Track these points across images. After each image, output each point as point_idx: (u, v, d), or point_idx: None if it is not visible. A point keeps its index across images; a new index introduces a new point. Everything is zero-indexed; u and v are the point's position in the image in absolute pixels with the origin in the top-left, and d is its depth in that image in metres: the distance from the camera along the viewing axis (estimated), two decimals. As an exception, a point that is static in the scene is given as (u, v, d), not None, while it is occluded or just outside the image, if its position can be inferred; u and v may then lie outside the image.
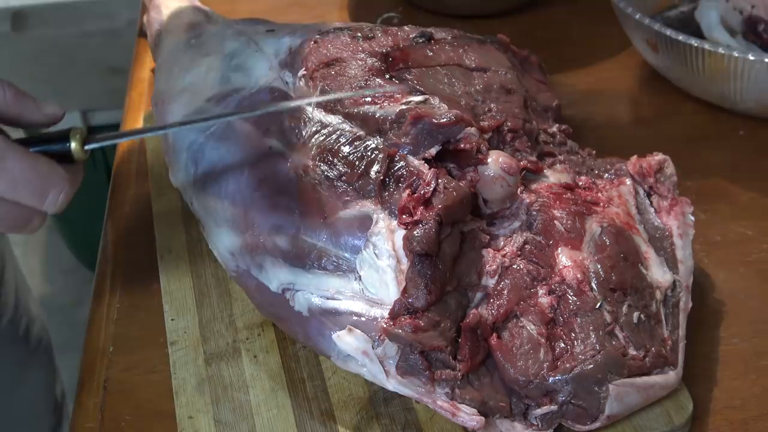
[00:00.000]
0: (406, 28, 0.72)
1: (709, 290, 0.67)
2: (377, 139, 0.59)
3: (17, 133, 0.56)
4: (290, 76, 0.66)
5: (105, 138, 0.58)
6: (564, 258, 0.58)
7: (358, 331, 0.54)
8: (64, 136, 0.56)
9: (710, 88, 0.82)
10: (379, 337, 0.54)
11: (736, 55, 0.76)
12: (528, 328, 0.55)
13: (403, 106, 0.60)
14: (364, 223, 0.56)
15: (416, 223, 0.55)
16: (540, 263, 0.58)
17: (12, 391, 0.91)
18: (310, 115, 0.62)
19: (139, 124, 0.87)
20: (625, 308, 0.57)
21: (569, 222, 0.60)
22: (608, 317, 0.56)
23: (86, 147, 0.56)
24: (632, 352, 0.55)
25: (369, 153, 0.59)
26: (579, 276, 0.57)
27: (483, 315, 0.55)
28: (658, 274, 0.60)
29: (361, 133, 0.60)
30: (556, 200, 0.61)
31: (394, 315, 0.54)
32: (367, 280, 0.56)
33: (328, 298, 0.56)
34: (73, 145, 0.56)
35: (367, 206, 0.57)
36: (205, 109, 0.67)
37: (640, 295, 0.58)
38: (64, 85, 1.61)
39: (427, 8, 1.03)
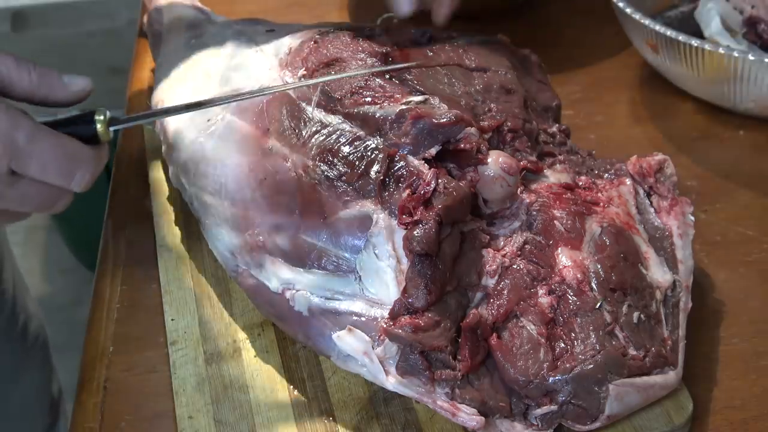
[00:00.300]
0: (406, 28, 0.72)
1: (709, 290, 0.67)
2: (377, 139, 0.59)
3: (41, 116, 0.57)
4: (290, 76, 0.66)
5: (129, 119, 0.59)
6: (564, 258, 0.58)
7: (358, 331, 0.54)
8: (89, 118, 0.56)
9: (710, 88, 0.82)
10: (379, 337, 0.54)
11: (736, 55, 0.76)
12: (528, 328, 0.55)
13: (403, 106, 0.60)
14: (364, 223, 0.56)
15: (416, 223, 0.55)
16: (540, 263, 0.58)
17: (8, 388, 0.91)
18: (310, 115, 0.62)
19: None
20: (625, 308, 0.57)
21: (569, 222, 0.60)
22: (608, 317, 0.56)
23: (111, 128, 0.57)
24: (632, 352, 0.55)
25: (369, 153, 0.59)
26: (579, 276, 0.57)
27: (483, 315, 0.55)
28: (658, 274, 0.60)
29: (361, 133, 0.60)
30: (556, 200, 0.61)
31: (394, 315, 0.54)
32: (367, 280, 0.56)
33: (328, 298, 0.56)
34: (99, 126, 0.56)
35: (367, 206, 0.57)
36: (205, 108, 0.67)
37: (640, 295, 0.58)
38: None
39: (427, 8, 1.03)
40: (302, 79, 0.65)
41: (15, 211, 0.56)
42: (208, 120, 0.66)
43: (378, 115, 0.60)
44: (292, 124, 0.62)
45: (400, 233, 0.55)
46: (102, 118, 0.56)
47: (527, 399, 0.54)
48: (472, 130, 0.60)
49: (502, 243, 0.59)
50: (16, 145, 0.51)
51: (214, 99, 0.62)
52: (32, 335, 0.95)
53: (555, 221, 0.60)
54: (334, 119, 0.61)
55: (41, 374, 0.98)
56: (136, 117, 0.60)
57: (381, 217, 0.56)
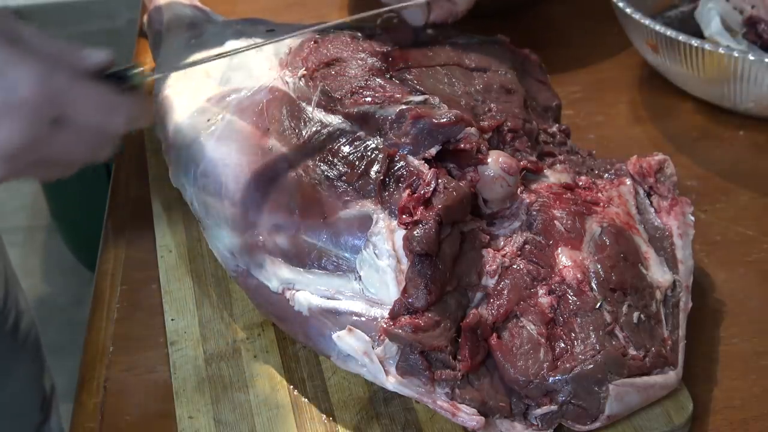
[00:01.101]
0: (406, 28, 0.72)
1: (709, 290, 0.67)
2: (377, 139, 0.59)
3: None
4: (290, 76, 0.66)
5: (164, 70, 0.61)
6: (564, 258, 0.58)
7: (358, 331, 0.54)
8: (124, 71, 0.57)
9: (710, 88, 0.82)
10: (379, 337, 0.54)
11: (736, 55, 0.76)
12: (528, 328, 0.55)
13: (403, 106, 0.60)
14: (364, 223, 0.56)
15: (416, 223, 0.55)
16: (540, 263, 0.58)
17: (0, 384, 0.91)
18: (310, 115, 0.62)
19: (139, 124, 0.87)
20: (625, 308, 0.57)
21: (569, 222, 0.60)
22: (608, 317, 0.56)
23: (147, 77, 0.58)
24: (632, 352, 0.55)
25: (369, 153, 0.59)
26: (579, 276, 0.57)
27: (483, 315, 0.55)
28: (658, 274, 0.60)
29: (361, 133, 0.60)
30: (556, 200, 0.61)
31: (394, 315, 0.54)
32: (367, 280, 0.56)
33: (328, 298, 0.56)
34: (136, 71, 0.57)
35: (367, 206, 0.57)
36: (205, 108, 0.67)
37: (640, 295, 0.58)
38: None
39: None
40: (302, 79, 0.65)
41: (63, 164, 0.56)
42: (208, 120, 0.66)
43: (378, 115, 0.60)
44: (292, 124, 0.62)
45: (400, 233, 0.55)
46: (136, 70, 0.57)
47: (527, 399, 0.54)
48: (472, 130, 0.60)
49: (502, 243, 0.59)
50: (56, 92, 0.52)
51: (239, 48, 0.64)
52: (23, 331, 0.95)
53: (555, 221, 0.60)
54: (334, 119, 0.61)
55: (33, 370, 0.98)
56: (172, 68, 0.61)
57: (381, 217, 0.56)
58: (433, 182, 0.56)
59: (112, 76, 0.57)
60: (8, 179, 0.53)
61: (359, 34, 0.70)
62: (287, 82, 0.65)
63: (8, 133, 0.51)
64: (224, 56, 0.64)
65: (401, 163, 0.58)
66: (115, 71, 0.57)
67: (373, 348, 0.54)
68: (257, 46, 0.66)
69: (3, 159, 0.52)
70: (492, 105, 0.65)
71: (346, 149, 0.59)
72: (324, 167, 0.59)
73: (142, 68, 0.58)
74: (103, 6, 1.72)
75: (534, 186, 0.63)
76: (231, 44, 0.73)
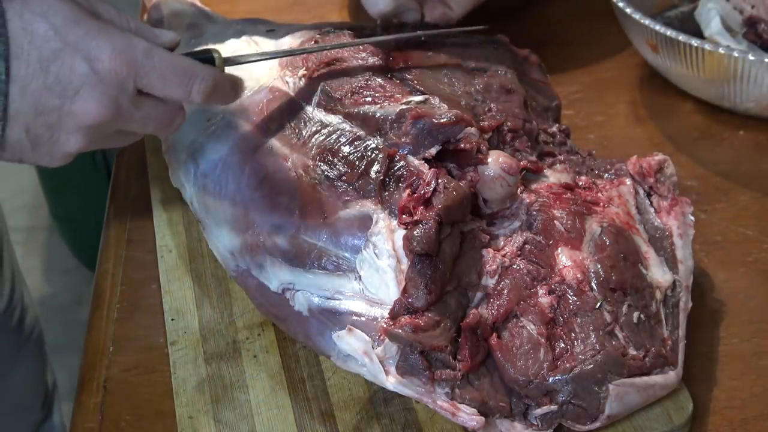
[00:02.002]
0: (406, 28, 0.72)
1: (709, 290, 0.67)
2: (377, 139, 0.59)
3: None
4: (290, 76, 0.66)
5: (242, 57, 0.61)
6: (564, 258, 0.58)
7: (359, 330, 0.54)
8: (206, 54, 0.58)
9: (710, 88, 0.82)
10: (379, 337, 0.54)
11: (736, 55, 0.76)
12: (528, 328, 0.55)
13: (403, 106, 0.60)
14: (364, 223, 0.56)
15: (416, 223, 0.55)
16: (540, 263, 0.58)
17: (4, 380, 0.92)
18: (310, 115, 0.62)
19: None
20: (625, 308, 0.57)
21: (569, 222, 0.60)
22: (608, 317, 0.56)
23: (227, 65, 0.59)
24: (632, 352, 0.55)
25: (369, 153, 0.59)
26: (579, 276, 0.57)
27: (483, 315, 0.55)
28: (658, 274, 0.60)
29: (361, 133, 0.60)
30: (556, 200, 0.61)
31: (394, 315, 0.54)
32: (367, 280, 0.56)
33: (328, 298, 0.56)
34: (216, 54, 0.58)
35: (367, 206, 0.57)
36: (205, 108, 0.67)
37: (640, 295, 0.58)
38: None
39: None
40: (302, 79, 0.65)
41: (132, 133, 0.58)
42: (208, 120, 0.66)
43: (378, 115, 0.60)
44: (292, 124, 0.62)
45: (400, 233, 0.55)
46: (217, 54, 0.58)
47: (527, 399, 0.54)
48: (472, 130, 0.60)
49: (502, 243, 0.59)
50: (137, 62, 0.53)
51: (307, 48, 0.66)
52: (28, 327, 0.96)
53: (555, 221, 0.60)
54: (334, 119, 0.61)
55: (36, 366, 0.99)
56: (250, 56, 0.62)
57: (381, 217, 0.56)
58: (433, 182, 0.56)
59: (193, 54, 0.58)
60: (85, 150, 0.54)
61: (359, 35, 0.70)
62: (287, 82, 0.65)
63: (90, 105, 0.52)
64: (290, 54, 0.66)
65: (401, 163, 0.58)
66: (194, 52, 0.58)
67: (373, 348, 0.54)
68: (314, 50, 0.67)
69: (84, 131, 0.53)
70: (492, 105, 0.65)
71: (346, 149, 0.59)
72: (324, 167, 0.59)
73: (218, 54, 0.58)
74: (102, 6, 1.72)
75: (534, 186, 0.63)
76: (231, 44, 0.73)
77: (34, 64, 0.50)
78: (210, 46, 0.60)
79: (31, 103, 0.51)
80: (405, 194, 0.56)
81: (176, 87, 0.55)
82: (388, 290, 0.55)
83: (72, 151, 0.54)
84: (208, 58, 0.57)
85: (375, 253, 0.55)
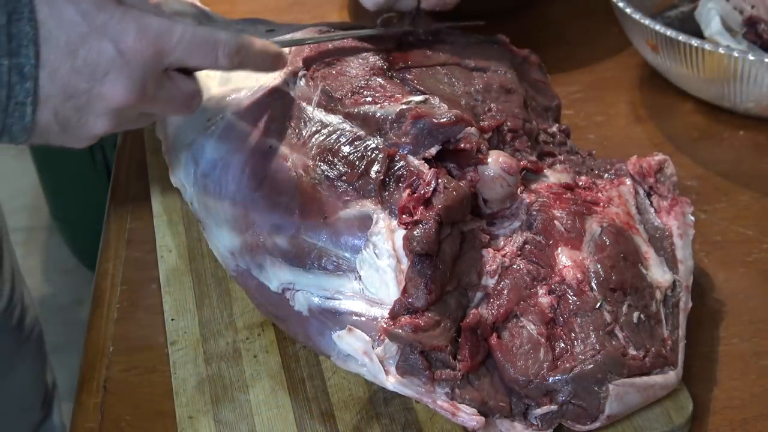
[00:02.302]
0: (406, 28, 0.72)
1: (709, 290, 0.67)
2: (377, 139, 0.59)
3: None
4: (290, 76, 0.66)
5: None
6: (564, 258, 0.58)
7: (359, 330, 0.54)
8: None
9: (710, 88, 0.82)
10: (379, 336, 0.54)
11: (736, 55, 0.76)
12: (528, 328, 0.55)
13: (403, 106, 0.60)
14: (364, 222, 0.56)
15: (416, 223, 0.55)
16: (540, 263, 0.58)
17: (5, 379, 0.92)
18: (310, 115, 0.62)
19: (139, 124, 0.87)
20: (625, 308, 0.57)
21: (569, 222, 0.60)
22: (608, 317, 0.56)
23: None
24: (632, 352, 0.55)
25: (369, 153, 0.59)
26: (579, 276, 0.57)
27: (483, 315, 0.55)
28: (658, 274, 0.60)
29: (361, 133, 0.60)
30: (556, 200, 0.61)
31: (394, 315, 0.54)
32: (367, 279, 0.56)
33: (328, 298, 0.56)
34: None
35: (367, 206, 0.57)
36: (205, 108, 0.67)
37: (640, 295, 0.58)
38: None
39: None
40: (302, 79, 0.65)
41: (153, 114, 0.59)
42: (208, 120, 0.66)
43: (378, 114, 0.60)
44: (292, 124, 0.62)
45: (400, 233, 0.55)
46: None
47: (527, 399, 0.54)
48: (472, 130, 0.60)
49: (502, 243, 0.59)
50: (162, 41, 0.53)
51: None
52: (28, 327, 0.96)
53: (555, 221, 0.60)
54: (334, 119, 0.61)
55: (36, 365, 0.99)
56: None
57: (381, 217, 0.56)
58: (433, 182, 0.56)
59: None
60: (110, 132, 0.55)
61: (359, 34, 0.70)
62: (287, 82, 0.65)
63: (118, 88, 0.53)
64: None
65: (401, 163, 0.58)
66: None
67: (373, 348, 0.54)
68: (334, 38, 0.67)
69: (111, 114, 0.54)
70: (492, 105, 0.65)
71: (346, 149, 0.59)
72: (324, 167, 0.59)
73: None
74: (103, 6, 1.72)
75: (534, 186, 0.63)
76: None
77: (63, 48, 0.51)
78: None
79: (60, 86, 0.52)
80: (405, 194, 0.56)
81: (202, 56, 0.55)
82: (388, 290, 0.55)
83: (99, 133, 0.55)
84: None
85: (375, 253, 0.55)
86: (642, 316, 0.57)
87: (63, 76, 0.51)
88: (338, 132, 0.60)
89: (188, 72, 0.58)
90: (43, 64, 0.51)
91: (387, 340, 0.53)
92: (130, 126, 0.58)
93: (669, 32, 0.79)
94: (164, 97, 0.56)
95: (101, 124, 0.54)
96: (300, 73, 0.65)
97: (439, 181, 0.56)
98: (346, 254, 0.56)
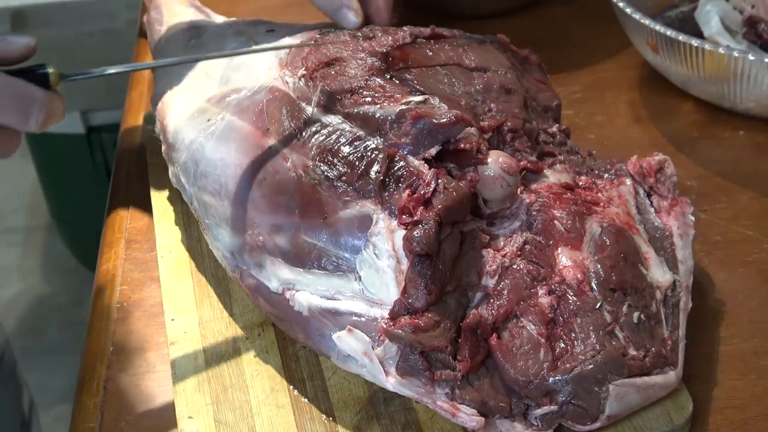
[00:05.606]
0: (405, 28, 0.72)
1: (709, 290, 0.67)
2: (377, 139, 0.59)
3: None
4: (290, 76, 0.66)
5: (80, 73, 0.58)
6: (564, 258, 0.58)
7: (358, 331, 0.54)
8: (39, 68, 0.56)
9: (710, 88, 0.82)
10: (379, 337, 0.54)
11: (736, 55, 0.76)
12: (528, 328, 0.55)
13: (403, 107, 0.60)
14: (364, 223, 0.56)
15: (416, 223, 0.55)
16: (540, 263, 0.58)
17: None
18: (310, 115, 0.62)
19: (139, 124, 0.87)
20: (625, 308, 0.57)
21: (569, 222, 0.60)
22: (608, 317, 0.56)
23: (62, 80, 0.57)
24: (632, 352, 0.55)
25: (369, 153, 0.59)
26: (579, 276, 0.57)
27: (483, 315, 0.55)
28: (658, 274, 0.60)
29: (361, 133, 0.60)
30: (556, 200, 0.61)
31: (394, 315, 0.54)
32: (367, 280, 0.56)
33: (328, 298, 0.56)
34: (50, 69, 0.56)
35: (367, 206, 0.57)
36: (205, 108, 0.67)
37: (640, 295, 0.58)
38: (63, 85, 1.62)
39: (428, 8, 1.03)
40: (302, 79, 0.65)
41: None
42: (208, 120, 0.66)
43: (378, 115, 0.60)
44: (292, 124, 0.62)
45: (400, 233, 0.55)
46: (51, 69, 0.56)
47: (527, 399, 0.54)
48: (472, 130, 0.60)
49: (502, 243, 0.59)
50: None
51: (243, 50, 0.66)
52: None
53: (555, 221, 0.60)
54: (334, 119, 0.61)
55: (9, 393, 0.93)
56: (87, 72, 0.59)
57: (381, 217, 0.56)
58: (433, 182, 0.56)
59: (29, 69, 0.55)
60: None
61: (359, 34, 0.70)
62: (287, 82, 0.65)
63: None
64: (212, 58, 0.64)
65: (401, 163, 0.58)
66: (27, 67, 0.55)
67: (373, 348, 0.54)
68: (259, 50, 0.65)
69: None
70: (492, 105, 0.65)
71: (346, 149, 0.59)
72: (324, 167, 0.59)
73: (53, 69, 0.56)
74: (103, 6, 1.72)
75: (534, 186, 0.63)
76: (231, 44, 0.73)
77: None
78: (43, 66, 0.57)
79: None
80: (405, 194, 0.56)
81: (12, 114, 0.52)
82: (388, 290, 0.55)
83: None
84: (42, 75, 0.55)
85: (375, 253, 0.55)
86: (642, 316, 0.57)
87: None
88: (338, 132, 0.60)
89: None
90: None
91: (387, 340, 0.53)
92: None
93: (669, 32, 0.79)
94: None
95: None
96: (300, 73, 0.65)
97: (439, 181, 0.56)
98: (346, 254, 0.56)
